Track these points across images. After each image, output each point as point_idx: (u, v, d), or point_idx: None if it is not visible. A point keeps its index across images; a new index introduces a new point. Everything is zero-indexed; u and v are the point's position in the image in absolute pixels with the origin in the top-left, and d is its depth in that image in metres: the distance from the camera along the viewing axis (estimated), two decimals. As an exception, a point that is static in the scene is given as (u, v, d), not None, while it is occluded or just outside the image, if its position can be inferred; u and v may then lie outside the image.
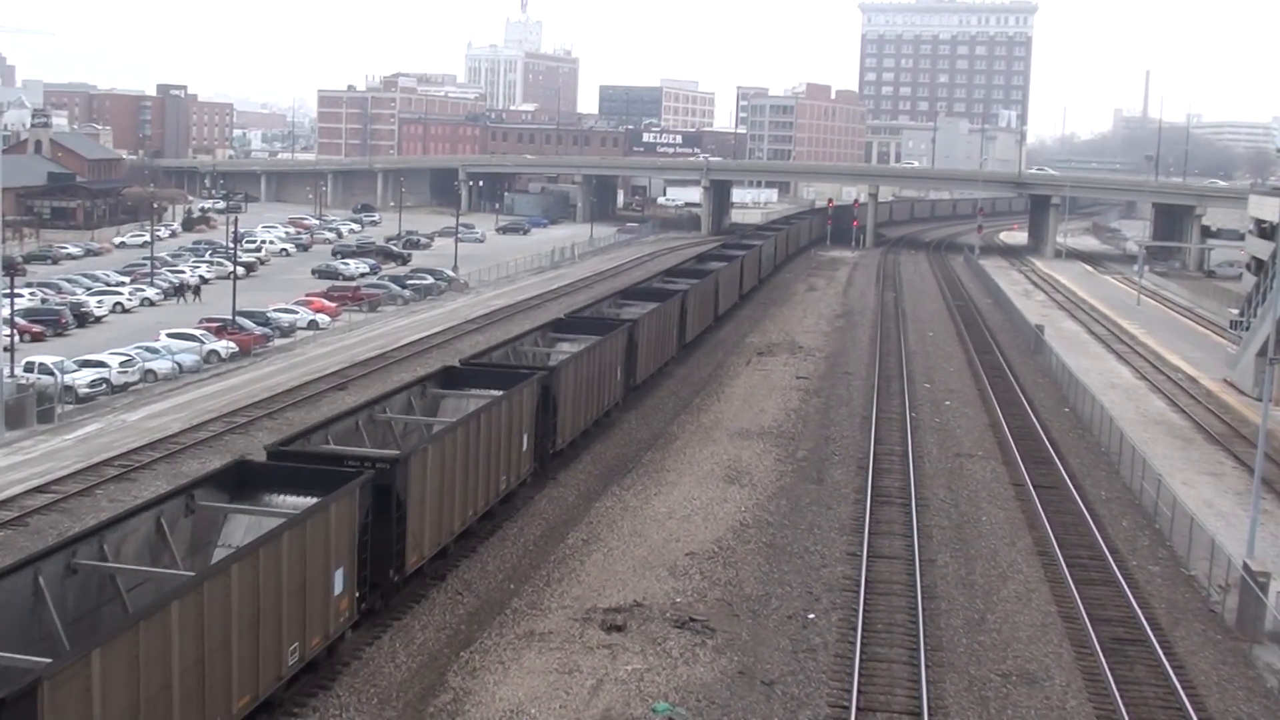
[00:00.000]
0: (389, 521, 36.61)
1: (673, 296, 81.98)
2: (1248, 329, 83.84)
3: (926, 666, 35.67)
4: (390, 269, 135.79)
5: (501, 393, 47.90)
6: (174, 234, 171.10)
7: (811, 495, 53.06)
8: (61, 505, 48.43)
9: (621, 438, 63.02)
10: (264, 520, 33.42)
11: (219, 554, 32.82)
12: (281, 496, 35.36)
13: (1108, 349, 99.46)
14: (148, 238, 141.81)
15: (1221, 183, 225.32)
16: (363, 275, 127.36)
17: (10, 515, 46.95)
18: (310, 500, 33.56)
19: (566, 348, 64.53)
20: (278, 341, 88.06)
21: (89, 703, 23.31)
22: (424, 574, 40.42)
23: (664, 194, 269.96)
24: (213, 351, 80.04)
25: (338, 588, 33.23)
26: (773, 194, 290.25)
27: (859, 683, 34.45)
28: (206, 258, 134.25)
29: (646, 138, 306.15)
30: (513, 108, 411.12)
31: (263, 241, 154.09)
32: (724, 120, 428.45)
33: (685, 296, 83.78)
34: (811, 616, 39.37)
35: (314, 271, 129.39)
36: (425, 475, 39.10)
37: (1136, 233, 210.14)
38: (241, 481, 35.79)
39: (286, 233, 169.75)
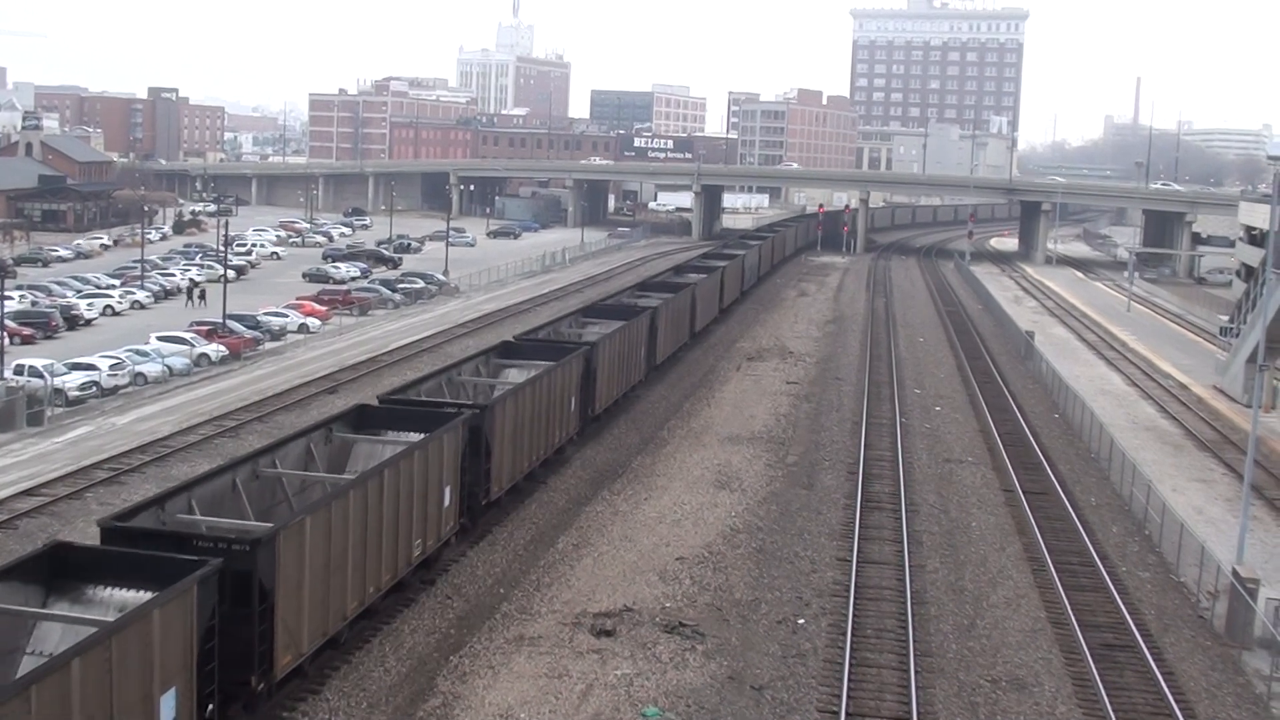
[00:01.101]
0: (249, 619, 29.80)
1: (640, 314, 74.68)
2: (1238, 336, 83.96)
3: (916, 672, 35.67)
4: (381, 273, 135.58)
5: (421, 436, 41.56)
6: (164, 237, 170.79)
7: (801, 500, 53.06)
8: (51, 508, 48.31)
9: (611, 443, 62.99)
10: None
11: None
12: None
13: (1098, 355, 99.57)
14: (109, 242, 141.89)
15: (1170, 185, 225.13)
16: (353, 279, 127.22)
17: (1, 518, 46.82)
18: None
19: (515, 375, 57.58)
20: (268, 345, 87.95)
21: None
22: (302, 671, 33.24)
23: (655, 199, 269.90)
24: (203, 355, 79.94)
25: None
26: (764, 199, 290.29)
27: (848, 688, 34.45)
28: (197, 261, 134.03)
29: (638, 142, 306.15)
30: (504, 112, 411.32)
31: (253, 245, 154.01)
32: (715, 125, 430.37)
33: (655, 314, 77.01)
34: (801, 622, 39.37)
35: (304, 275, 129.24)
36: (304, 554, 31.91)
37: (1127, 239, 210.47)
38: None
39: (277, 236, 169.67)
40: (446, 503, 42.13)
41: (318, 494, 37.79)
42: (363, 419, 45.76)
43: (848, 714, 33.18)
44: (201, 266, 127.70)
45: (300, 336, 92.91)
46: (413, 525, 39.17)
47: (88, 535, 39.51)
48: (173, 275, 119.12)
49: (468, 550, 44.80)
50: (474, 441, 45.15)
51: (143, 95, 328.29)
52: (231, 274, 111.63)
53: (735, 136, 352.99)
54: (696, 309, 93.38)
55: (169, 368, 75.53)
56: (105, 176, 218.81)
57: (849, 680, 34.91)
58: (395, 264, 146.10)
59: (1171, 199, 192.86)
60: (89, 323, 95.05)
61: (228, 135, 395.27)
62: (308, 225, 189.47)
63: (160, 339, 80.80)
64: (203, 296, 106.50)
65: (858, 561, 45.02)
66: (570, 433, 58.54)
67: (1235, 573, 40.80)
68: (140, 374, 73.30)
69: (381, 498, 36.63)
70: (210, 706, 28.14)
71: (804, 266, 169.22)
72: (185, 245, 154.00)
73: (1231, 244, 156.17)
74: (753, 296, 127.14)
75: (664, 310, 79.69)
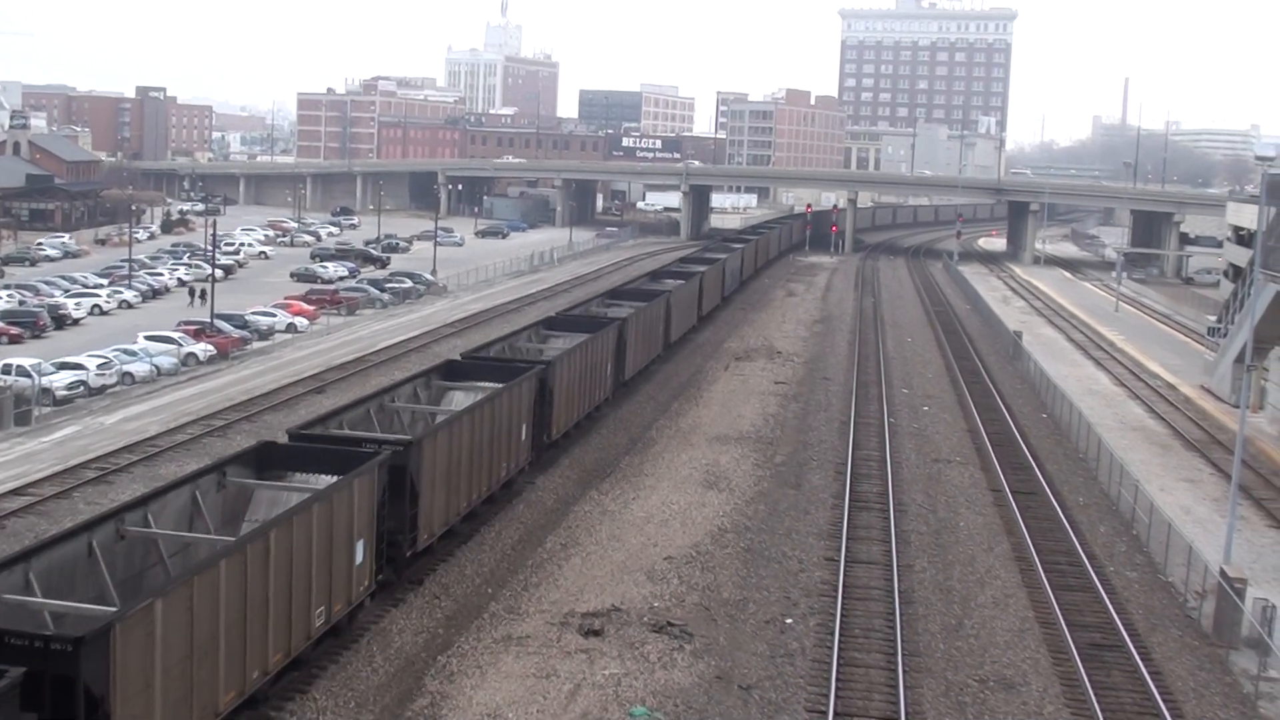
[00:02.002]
0: None
1: (607, 326, 68.14)
2: (1225, 336, 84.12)
3: (904, 672, 35.67)
4: (369, 272, 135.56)
5: (335, 479, 36.65)
6: (152, 236, 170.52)
7: (789, 500, 53.06)
8: (39, 508, 48.19)
9: (600, 442, 62.97)
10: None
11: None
12: None
13: (1086, 355, 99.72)
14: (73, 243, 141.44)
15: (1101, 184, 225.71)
16: (341, 278, 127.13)
17: (-14, 518, 46.72)
18: None
19: (460, 398, 52.61)
20: (256, 344, 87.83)
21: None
22: None
23: (643, 199, 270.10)
24: (190, 354, 79.80)
25: None
26: (752, 199, 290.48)
27: (836, 688, 34.44)
28: (185, 260, 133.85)
29: (626, 142, 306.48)
30: (492, 111, 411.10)
31: (241, 244, 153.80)
32: (704, 125, 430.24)
33: (624, 325, 70.08)
34: (789, 621, 39.36)
35: (292, 274, 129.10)
36: (153, 648, 25.97)
37: (1115, 239, 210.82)
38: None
39: (265, 235, 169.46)
40: (359, 559, 36.21)
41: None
42: (267, 459, 39.12)
43: (835, 714, 33.17)
44: (189, 266, 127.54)
45: (288, 336, 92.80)
46: (313, 591, 33.26)
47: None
48: (160, 275, 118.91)
49: (457, 549, 44.77)
50: (397, 483, 38.99)
51: (131, 94, 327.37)
52: (219, 273, 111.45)
53: (723, 136, 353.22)
54: (671, 318, 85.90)
55: (157, 367, 75.41)
56: (93, 176, 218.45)
57: (837, 680, 34.90)
58: (383, 264, 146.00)
59: (1159, 199, 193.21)
60: (76, 322, 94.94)
61: (216, 134, 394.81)
62: (296, 225, 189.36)
63: (148, 338, 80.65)
64: (203, 296, 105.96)
65: (845, 561, 45.03)
66: (521, 463, 52.28)
67: (1223, 572, 40.86)
68: (128, 373, 73.15)
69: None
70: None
71: (792, 267, 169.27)
72: (173, 245, 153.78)
73: (1219, 244, 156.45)
74: (738, 300, 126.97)
75: (634, 321, 72.29)
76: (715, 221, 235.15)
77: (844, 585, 42.40)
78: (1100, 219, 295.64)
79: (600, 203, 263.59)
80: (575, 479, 55.98)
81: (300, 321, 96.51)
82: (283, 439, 42.76)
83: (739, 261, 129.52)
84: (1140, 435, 70.30)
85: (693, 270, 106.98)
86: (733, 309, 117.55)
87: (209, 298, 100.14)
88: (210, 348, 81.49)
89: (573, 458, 59.26)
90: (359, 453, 38.49)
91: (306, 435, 41.74)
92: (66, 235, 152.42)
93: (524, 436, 51.62)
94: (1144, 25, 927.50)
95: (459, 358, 58.96)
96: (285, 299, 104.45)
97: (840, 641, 37.52)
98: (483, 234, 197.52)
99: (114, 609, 26.85)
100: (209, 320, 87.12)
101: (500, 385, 50.02)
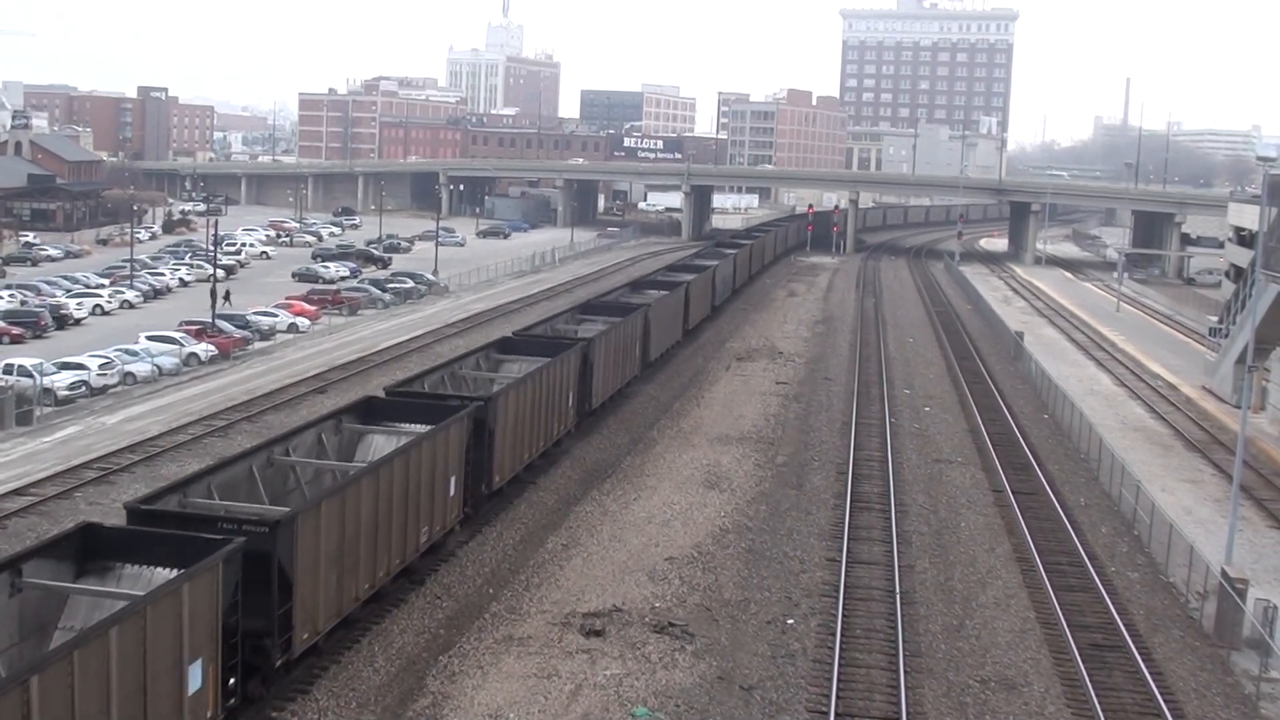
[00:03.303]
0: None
1: (568, 348, 60.83)
2: (1227, 336, 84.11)
3: (905, 672, 35.69)
4: (370, 272, 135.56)
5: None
6: (154, 236, 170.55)
7: (791, 500, 53.07)
8: (40, 508, 48.22)
9: (601, 443, 62.97)
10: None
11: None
12: None
13: (1087, 356, 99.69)
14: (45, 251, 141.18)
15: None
16: (343, 278, 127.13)
17: (-12, 518, 46.75)
18: None
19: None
20: (257, 345, 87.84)
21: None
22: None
23: (645, 199, 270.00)
24: (192, 354, 79.82)
25: None
26: (754, 199, 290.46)
27: (838, 688, 34.46)
28: (186, 260, 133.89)
29: (628, 142, 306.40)
30: (494, 111, 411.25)
31: (243, 244, 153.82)
32: (705, 125, 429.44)
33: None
34: (791, 622, 39.37)
35: (294, 274, 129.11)
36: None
37: (1116, 240, 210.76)
38: None
39: (267, 235, 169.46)
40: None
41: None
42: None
43: (837, 714, 33.19)
44: (191, 266, 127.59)
45: (290, 336, 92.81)
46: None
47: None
48: (162, 275, 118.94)
49: (458, 549, 44.77)
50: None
51: (132, 94, 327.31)
52: (221, 273, 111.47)
53: (725, 137, 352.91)
54: (650, 335, 78.54)
55: (158, 367, 75.43)
56: (95, 176, 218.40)
57: (838, 680, 34.91)
58: (385, 264, 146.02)
59: (1161, 200, 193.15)
60: (78, 322, 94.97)
61: (217, 135, 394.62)
62: (297, 225, 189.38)
63: (149, 338, 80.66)
64: (227, 297, 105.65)
65: (847, 562, 45.04)
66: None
67: (1224, 573, 40.86)
68: (129, 373, 73.18)
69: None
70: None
71: (793, 267, 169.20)
72: (175, 244, 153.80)
73: (1221, 245, 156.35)
74: (731, 309, 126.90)
75: (602, 342, 64.99)
76: (717, 221, 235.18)
77: (845, 586, 42.41)
78: (1102, 219, 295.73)
79: (602, 203, 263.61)
80: (577, 479, 55.97)
81: (302, 322, 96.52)
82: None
83: (731, 268, 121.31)
84: (1141, 436, 70.29)
85: (678, 280, 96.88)
86: (734, 309, 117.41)
87: (230, 298, 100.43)
88: (212, 348, 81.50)
89: (573, 458, 59.28)
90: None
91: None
92: (51, 251, 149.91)
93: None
94: (1145, 25, 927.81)
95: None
96: (287, 299, 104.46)
97: (842, 642, 37.54)
98: (484, 234, 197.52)
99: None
100: (210, 320, 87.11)
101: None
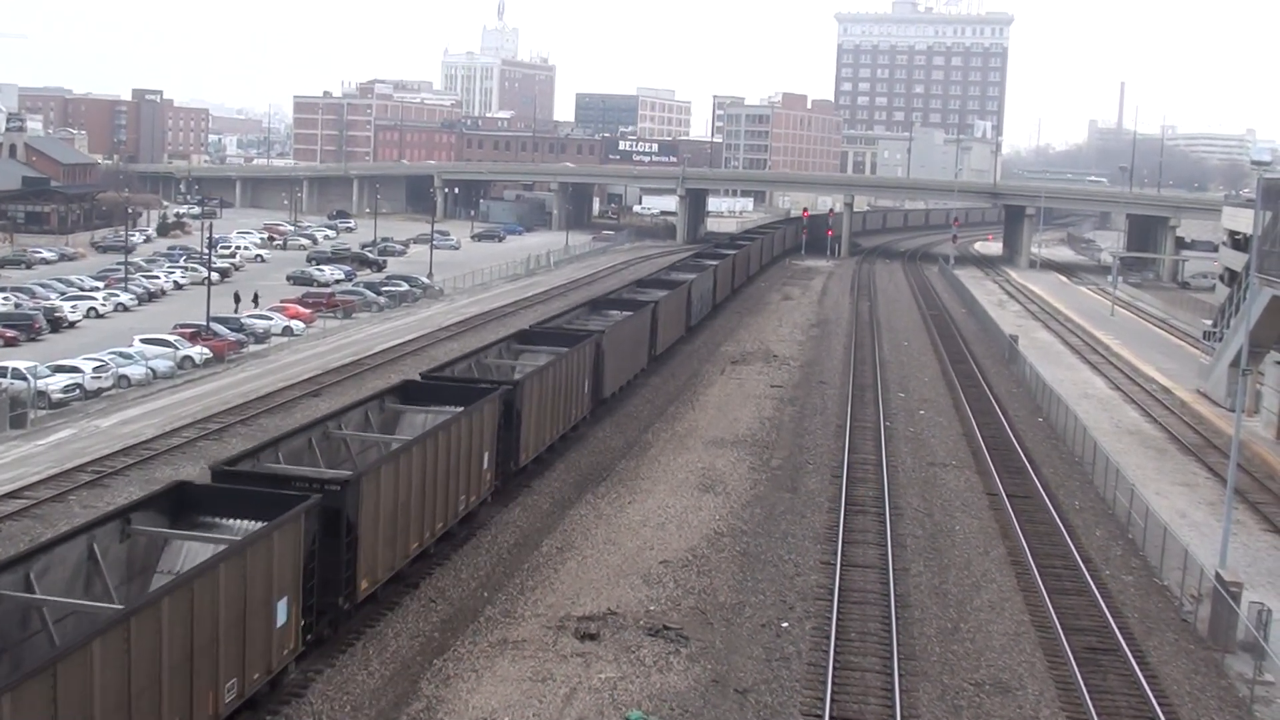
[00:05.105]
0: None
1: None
2: (1221, 340, 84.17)
3: (900, 675, 35.69)
4: (365, 275, 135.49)
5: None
6: (149, 239, 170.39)
7: (786, 504, 53.08)
8: (34, 511, 48.16)
9: (596, 446, 62.97)
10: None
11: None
12: None
13: (1082, 359, 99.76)
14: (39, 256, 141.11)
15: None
16: (337, 282, 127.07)
17: (-19, 521, 46.68)
18: None
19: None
20: (252, 347, 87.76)
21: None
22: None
23: (640, 202, 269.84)
24: (186, 357, 79.74)
25: None
26: (748, 203, 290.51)
27: (832, 691, 34.46)
28: (181, 263, 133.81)
29: (622, 146, 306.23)
30: (489, 115, 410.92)
31: (237, 247, 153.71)
32: (700, 129, 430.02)
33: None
34: (785, 625, 39.37)
35: (289, 278, 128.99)
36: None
37: (1111, 244, 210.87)
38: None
39: (261, 238, 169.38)
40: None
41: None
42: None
43: (831, 718, 33.19)
44: (185, 269, 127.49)
45: (284, 339, 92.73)
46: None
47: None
48: (156, 278, 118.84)
49: (453, 552, 44.79)
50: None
51: (127, 97, 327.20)
52: (215, 276, 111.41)
53: (720, 140, 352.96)
54: (603, 368, 67.84)
55: (152, 370, 75.33)
56: (89, 178, 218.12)
57: (833, 684, 34.92)
58: (379, 267, 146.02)
59: (1155, 204, 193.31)
60: (72, 325, 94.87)
61: (212, 137, 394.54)
62: (292, 228, 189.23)
63: (144, 341, 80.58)
64: (255, 301, 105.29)
65: (841, 565, 45.04)
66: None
67: (1218, 576, 40.89)
68: (124, 376, 73.11)
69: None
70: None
71: (788, 271, 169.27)
72: (169, 248, 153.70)
73: (1215, 249, 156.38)
74: (736, 301, 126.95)
75: (532, 384, 53.71)
76: (712, 225, 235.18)
77: (840, 589, 42.41)
78: (1096, 223, 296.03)
79: (596, 206, 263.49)
80: (571, 482, 55.96)
81: (296, 325, 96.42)
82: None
83: (711, 282, 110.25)
84: (1136, 439, 70.34)
85: (642, 299, 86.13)
86: (728, 313, 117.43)
87: (254, 299, 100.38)
88: (206, 351, 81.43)
89: (568, 462, 59.26)
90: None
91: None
92: (45, 254, 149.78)
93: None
94: (1140, 30, 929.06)
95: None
96: (281, 302, 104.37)
97: (836, 645, 37.52)
98: (479, 237, 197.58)
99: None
100: (205, 323, 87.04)
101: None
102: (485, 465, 47.64)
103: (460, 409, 46.12)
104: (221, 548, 30.14)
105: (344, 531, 34.96)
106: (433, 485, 41.82)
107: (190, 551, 32.10)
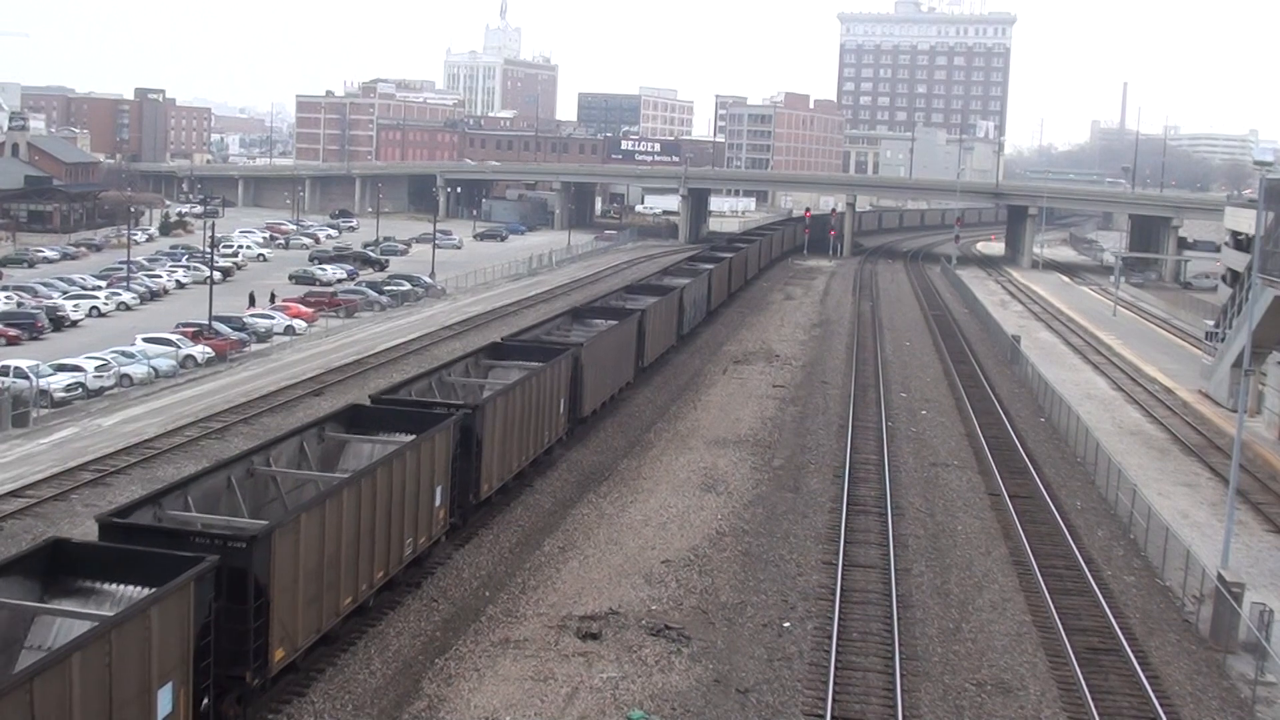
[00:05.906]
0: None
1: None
2: (1223, 340, 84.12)
3: (901, 675, 35.68)
4: (367, 275, 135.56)
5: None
6: (151, 238, 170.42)
7: (788, 504, 53.07)
8: (36, 510, 48.19)
9: (598, 445, 62.95)
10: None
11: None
12: None
13: (1084, 360, 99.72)
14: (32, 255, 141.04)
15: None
16: (340, 281, 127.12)
17: (-17, 519, 46.67)
18: None
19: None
20: (254, 347, 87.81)
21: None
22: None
23: (642, 201, 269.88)
24: (189, 356, 79.77)
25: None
26: (751, 202, 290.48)
27: (834, 691, 34.45)
28: (183, 262, 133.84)
29: (625, 145, 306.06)
30: (491, 114, 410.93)
31: (240, 246, 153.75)
32: (702, 129, 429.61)
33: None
34: (787, 625, 39.37)
35: (291, 277, 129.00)
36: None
37: (1113, 244, 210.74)
38: None
39: (263, 237, 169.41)
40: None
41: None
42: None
43: (833, 717, 33.18)
44: (188, 268, 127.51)
45: (287, 338, 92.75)
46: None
47: (77, 535, 39.31)
48: (159, 277, 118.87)
49: (455, 551, 44.75)
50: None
51: (129, 96, 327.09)
52: (218, 275, 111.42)
53: (722, 140, 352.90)
54: (583, 381, 63.51)
55: (155, 369, 75.36)
56: (92, 177, 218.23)
57: (834, 684, 34.91)
58: (382, 266, 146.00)
59: (1157, 204, 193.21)
60: (75, 324, 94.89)
61: (215, 137, 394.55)
62: (294, 227, 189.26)
63: (146, 340, 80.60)
64: (272, 300, 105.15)
65: (843, 565, 45.03)
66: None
67: (1220, 577, 40.87)
68: (126, 375, 73.14)
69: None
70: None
71: (790, 270, 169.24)
72: (172, 247, 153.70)
73: (1217, 249, 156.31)
74: (737, 301, 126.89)
75: (496, 407, 48.85)
76: (714, 224, 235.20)
77: (842, 589, 42.41)
78: (1098, 223, 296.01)
79: (599, 205, 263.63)
80: (573, 482, 55.96)
81: (298, 324, 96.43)
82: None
83: (705, 287, 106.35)
84: (1138, 440, 70.32)
85: (629, 307, 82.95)
86: (731, 313, 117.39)
87: (277, 299, 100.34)
88: (208, 350, 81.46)
89: (569, 461, 59.24)
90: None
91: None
92: (47, 253, 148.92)
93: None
94: (1142, 30, 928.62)
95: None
96: (284, 301, 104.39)
97: (838, 645, 37.52)
98: (481, 237, 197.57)
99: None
100: (207, 322, 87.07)
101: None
102: (438, 501, 42.51)
103: (411, 437, 41.47)
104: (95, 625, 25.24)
105: (252, 595, 30.06)
106: (369, 530, 36.66)
107: (62, 626, 27.25)
